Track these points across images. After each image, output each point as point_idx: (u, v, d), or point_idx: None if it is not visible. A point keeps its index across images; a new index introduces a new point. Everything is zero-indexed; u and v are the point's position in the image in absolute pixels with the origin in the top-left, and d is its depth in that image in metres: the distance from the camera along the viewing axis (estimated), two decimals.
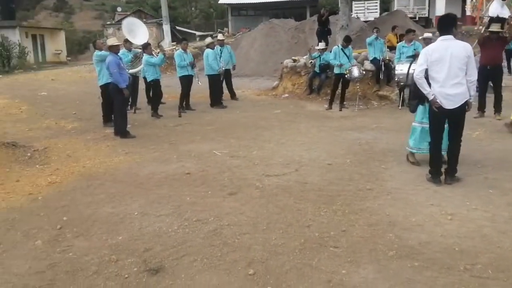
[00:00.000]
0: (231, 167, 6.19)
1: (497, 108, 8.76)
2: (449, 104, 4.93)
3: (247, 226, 4.24)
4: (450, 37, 4.98)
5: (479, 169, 5.65)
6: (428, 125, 5.75)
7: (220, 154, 6.89)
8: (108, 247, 3.91)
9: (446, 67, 4.87)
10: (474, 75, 4.99)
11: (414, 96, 5.86)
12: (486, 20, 13.01)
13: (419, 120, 5.90)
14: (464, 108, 5.01)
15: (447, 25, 5.06)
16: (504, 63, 12.11)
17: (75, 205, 4.95)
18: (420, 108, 5.83)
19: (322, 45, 12.75)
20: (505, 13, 12.82)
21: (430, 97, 5.00)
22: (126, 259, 3.68)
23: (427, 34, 10.85)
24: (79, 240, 4.07)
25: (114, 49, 8.29)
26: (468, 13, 26.13)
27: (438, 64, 4.92)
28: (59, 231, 4.27)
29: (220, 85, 11.81)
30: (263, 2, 34.75)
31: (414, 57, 7.94)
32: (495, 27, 9.02)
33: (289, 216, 4.46)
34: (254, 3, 35.71)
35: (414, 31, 10.74)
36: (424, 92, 5.07)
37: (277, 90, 13.68)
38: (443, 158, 5.41)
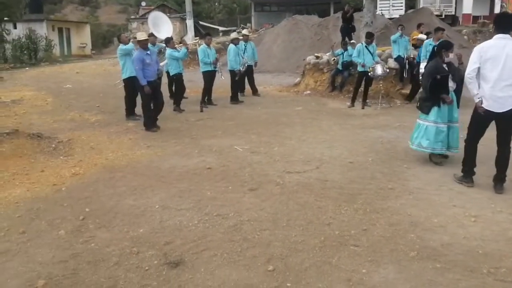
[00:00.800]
0: (252, 163, 6.20)
1: None
2: (498, 107, 4.68)
3: (267, 222, 4.24)
4: (508, 36, 4.70)
5: (507, 171, 5.50)
6: (442, 126, 5.66)
7: (241, 149, 6.91)
8: (129, 239, 3.96)
9: (500, 67, 4.60)
10: None
11: (428, 98, 5.75)
12: None
13: (434, 120, 5.79)
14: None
15: (507, 23, 4.83)
16: None
17: (98, 197, 5.03)
18: (435, 108, 5.73)
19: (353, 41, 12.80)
20: None
21: (476, 100, 4.80)
22: (147, 252, 3.72)
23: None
24: (101, 232, 4.14)
25: (142, 44, 8.32)
26: (496, 11, 25.45)
27: (493, 63, 4.64)
28: (82, 222, 4.34)
29: (240, 80, 11.81)
30: None
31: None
32: None
33: (310, 213, 4.44)
34: None
35: (443, 29, 10.53)
36: (472, 93, 4.84)
37: (299, 87, 13.62)
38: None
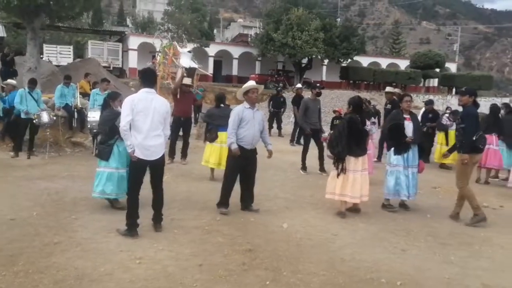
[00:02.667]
0: None
1: (184, 154, 9.78)
2: (150, 155, 5.06)
3: None
4: (153, 91, 5.17)
5: (167, 212, 6.03)
6: (123, 171, 5.95)
7: None
8: None
9: (149, 119, 4.99)
10: (169, 130, 5.41)
11: (105, 141, 5.93)
12: (180, 72, 14.72)
13: (115, 166, 5.99)
14: (163, 158, 5.26)
15: (151, 79, 5.31)
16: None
17: None
18: (115, 154, 5.94)
19: (12, 81, 11.62)
20: (194, 64, 14.91)
21: (129, 150, 5.02)
22: None
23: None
24: None
25: None
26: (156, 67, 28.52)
27: (143, 115, 4.98)
28: None
29: None
30: None
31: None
32: (187, 81, 10.21)
33: None
34: None
35: (108, 81, 11.00)
36: (126, 144, 5.06)
37: None
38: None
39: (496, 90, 63.75)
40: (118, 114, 5.92)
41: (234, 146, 6.08)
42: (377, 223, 6.13)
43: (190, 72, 14.99)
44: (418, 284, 4.23)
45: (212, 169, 8.22)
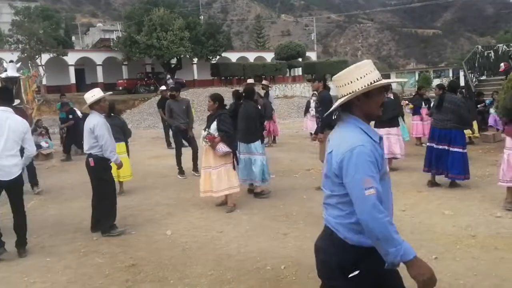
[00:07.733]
0: None
1: (34, 181, 8.43)
2: (5, 175, 4.81)
3: None
4: (9, 109, 4.99)
5: (36, 240, 5.54)
6: None
7: None
8: None
9: (3, 139, 4.81)
10: (32, 147, 5.11)
11: None
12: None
13: None
14: (19, 179, 4.99)
15: (7, 96, 5.16)
16: None
17: None
18: None
19: None
20: (15, 73, 13.49)
21: None
22: None
23: None
24: None
25: None
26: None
27: None
28: None
29: None
30: None
31: None
32: None
33: None
34: None
35: None
36: None
37: None
38: None
39: None
40: None
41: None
42: (259, 213, 6.29)
43: (11, 81, 13.51)
44: (300, 264, 4.43)
45: (121, 183, 7.74)
